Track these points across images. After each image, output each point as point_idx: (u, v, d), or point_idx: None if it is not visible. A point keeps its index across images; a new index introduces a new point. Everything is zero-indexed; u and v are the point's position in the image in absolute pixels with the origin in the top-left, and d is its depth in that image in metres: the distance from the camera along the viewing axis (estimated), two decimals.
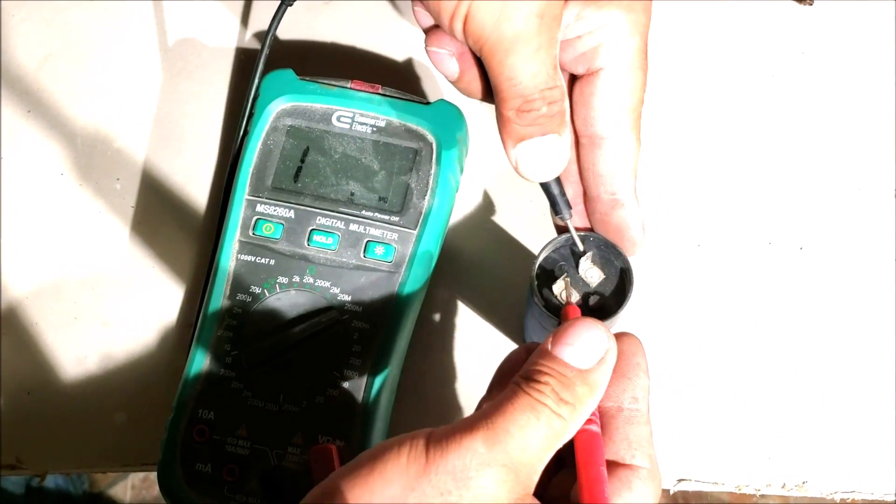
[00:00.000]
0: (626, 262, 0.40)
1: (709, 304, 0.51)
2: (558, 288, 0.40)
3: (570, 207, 0.40)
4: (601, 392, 0.33)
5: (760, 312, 0.51)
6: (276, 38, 0.56)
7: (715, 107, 0.54)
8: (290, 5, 0.50)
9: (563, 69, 0.39)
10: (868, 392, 0.50)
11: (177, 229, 0.52)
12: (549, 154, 0.37)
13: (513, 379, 0.33)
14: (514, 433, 0.31)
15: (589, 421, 0.33)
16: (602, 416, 0.35)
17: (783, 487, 0.49)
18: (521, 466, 0.31)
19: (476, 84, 0.39)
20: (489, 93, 0.39)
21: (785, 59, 0.55)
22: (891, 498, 0.49)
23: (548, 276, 0.41)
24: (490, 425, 0.31)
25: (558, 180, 0.40)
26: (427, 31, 0.40)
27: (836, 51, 0.55)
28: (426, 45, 0.39)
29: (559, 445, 0.32)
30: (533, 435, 0.31)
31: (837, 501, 0.49)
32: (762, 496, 0.50)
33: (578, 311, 0.38)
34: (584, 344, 0.33)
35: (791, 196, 0.53)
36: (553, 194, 0.40)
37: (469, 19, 0.35)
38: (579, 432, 0.33)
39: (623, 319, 0.41)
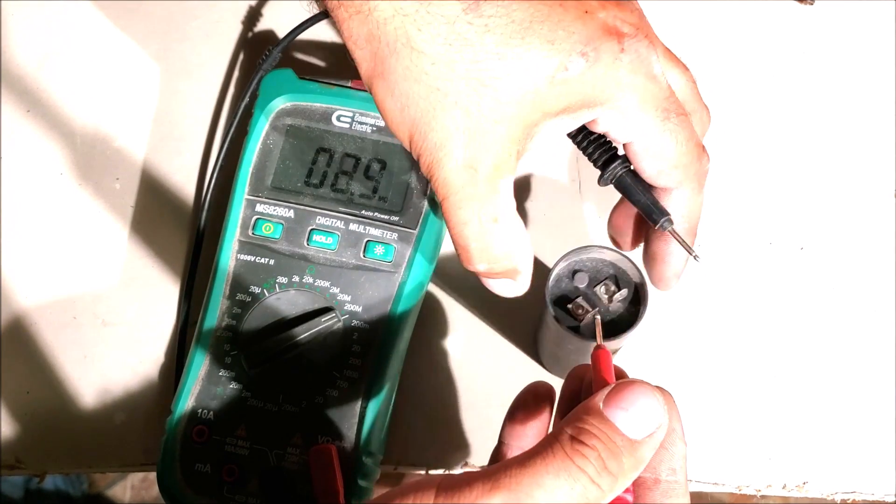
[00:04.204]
0: (641, 277, 0.40)
1: (709, 305, 0.51)
2: (576, 307, 0.40)
3: (667, 214, 0.37)
4: (644, 466, 0.31)
5: (761, 313, 0.51)
6: (276, 38, 0.56)
7: (715, 107, 0.54)
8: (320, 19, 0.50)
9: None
10: (868, 392, 0.50)
11: (176, 229, 0.52)
12: (506, 289, 0.37)
13: (554, 429, 0.30)
14: (538, 499, 0.28)
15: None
16: (638, 486, 0.33)
17: (784, 488, 0.49)
18: None
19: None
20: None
21: (785, 59, 0.55)
22: (891, 498, 0.49)
23: (562, 291, 0.40)
24: (512, 485, 0.28)
25: (645, 187, 0.38)
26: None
27: (836, 51, 0.55)
28: None
29: None
30: (562, 502, 0.29)
31: (838, 502, 0.49)
32: (763, 497, 0.50)
33: (609, 354, 0.35)
34: (640, 412, 0.30)
35: (791, 196, 0.53)
36: (646, 203, 0.37)
37: (421, 160, 0.35)
38: (613, 501, 0.31)
39: (636, 335, 0.41)
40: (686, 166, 0.37)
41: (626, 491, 0.32)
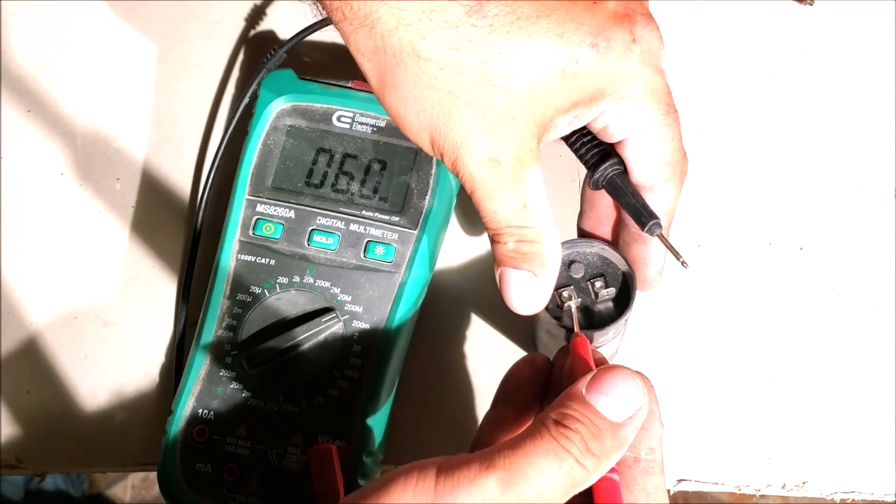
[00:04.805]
0: (630, 268, 0.40)
1: (709, 305, 0.51)
2: (566, 297, 0.40)
3: (656, 218, 0.37)
4: (627, 446, 0.32)
5: (760, 313, 0.51)
6: (276, 38, 0.56)
7: (715, 107, 0.54)
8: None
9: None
10: (868, 392, 0.50)
11: (177, 229, 0.52)
12: (525, 290, 0.36)
13: (539, 416, 0.32)
14: (531, 477, 0.30)
15: (610, 470, 0.33)
16: (619, 464, 0.34)
17: (783, 488, 0.49)
18: None
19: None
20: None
21: (785, 59, 0.55)
22: (891, 498, 0.49)
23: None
24: (507, 464, 0.30)
25: (634, 189, 0.38)
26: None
27: (836, 51, 0.55)
28: None
29: (575, 493, 0.31)
30: (552, 481, 0.30)
31: (837, 502, 0.49)
32: (762, 496, 0.50)
33: (587, 341, 0.37)
34: (621, 396, 0.32)
35: (791, 196, 0.53)
36: (636, 206, 0.37)
37: (458, 167, 0.35)
38: (602, 480, 0.33)
39: (633, 326, 0.41)
40: (676, 164, 0.38)
41: (613, 471, 0.33)
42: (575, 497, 0.32)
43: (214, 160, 0.51)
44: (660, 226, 0.37)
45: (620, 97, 0.35)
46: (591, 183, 0.39)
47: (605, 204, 0.41)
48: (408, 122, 0.34)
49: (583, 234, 0.42)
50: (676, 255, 0.38)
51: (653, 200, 0.38)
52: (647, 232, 0.37)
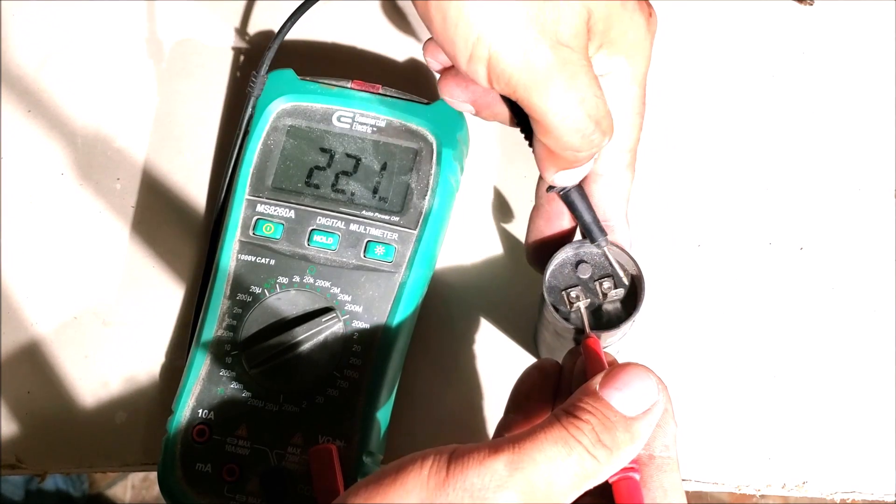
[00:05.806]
0: (638, 270, 0.40)
1: (709, 305, 0.51)
2: (574, 297, 0.40)
3: (605, 234, 0.40)
4: (642, 442, 0.33)
5: (761, 313, 0.51)
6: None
7: (715, 107, 0.54)
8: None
9: None
10: (868, 392, 0.50)
11: (177, 229, 0.52)
12: (583, 171, 0.39)
13: (553, 411, 0.33)
14: (539, 461, 0.31)
15: (630, 469, 0.33)
16: (634, 462, 0.34)
17: (783, 487, 0.49)
18: (541, 497, 0.30)
19: (498, 108, 0.39)
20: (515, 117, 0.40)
21: (785, 59, 0.55)
22: (891, 498, 0.49)
23: (559, 284, 0.41)
24: (516, 449, 0.31)
25: (590, 208, 0.40)
26: (440, 74, 0.39)
27: (836, 51, 0.55)
28: (441, 93, 0.40)
29: (588, 486, 0.32)
30: (561, 468, 0.31)
31: (837, 502, 0.49)
32: (762, 496, 0.50)
33: (598, 341, 0.38)
34: (635, 392, 0.32)
35: (791, 196, 0.53)
36: (587, 222, 0.40)
37: (493, 62, 0.33)
38: (622, 479, 0.33)
39: (635, 326, 0.41)
40: (635, 154, 0.40)
41: (634, 471, 0.33)
42: (595, 498, 0.32)
43: (229, 161, 0.49)
44: (608, 242, 0.40)
45: (631, 62, 0.37)
46: (548, 188, 0.40)
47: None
48: (463, 18, 0.34)
49: (536, 226, 0.43)
50: (616, 273, 0.40)
51: (609, 186, 0.40)
52: (595, 247, 0.40)
